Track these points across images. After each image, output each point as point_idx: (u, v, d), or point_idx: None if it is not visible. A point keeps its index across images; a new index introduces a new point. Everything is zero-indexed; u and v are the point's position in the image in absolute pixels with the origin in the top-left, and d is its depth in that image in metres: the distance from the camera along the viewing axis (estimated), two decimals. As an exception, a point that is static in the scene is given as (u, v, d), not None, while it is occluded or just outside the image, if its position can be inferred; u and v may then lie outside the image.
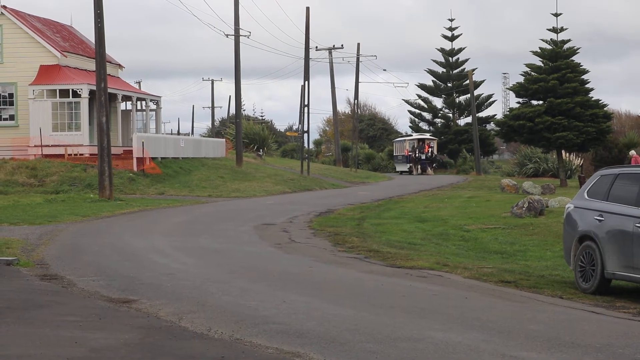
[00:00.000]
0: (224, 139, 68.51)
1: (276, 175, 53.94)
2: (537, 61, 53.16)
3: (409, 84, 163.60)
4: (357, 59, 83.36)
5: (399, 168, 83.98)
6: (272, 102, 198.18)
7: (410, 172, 79.78)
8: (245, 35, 57.44)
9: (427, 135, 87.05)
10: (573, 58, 52.88)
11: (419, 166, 79.21)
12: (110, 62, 50.26)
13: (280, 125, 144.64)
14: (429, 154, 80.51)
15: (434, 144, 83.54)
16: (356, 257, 19.57)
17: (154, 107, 56.27)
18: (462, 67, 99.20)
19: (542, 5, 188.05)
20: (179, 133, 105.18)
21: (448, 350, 9.99)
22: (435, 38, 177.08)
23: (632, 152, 45.72)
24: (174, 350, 9.83)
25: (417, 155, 79.51)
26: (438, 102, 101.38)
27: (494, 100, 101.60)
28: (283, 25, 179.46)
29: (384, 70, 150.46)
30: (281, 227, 26.46)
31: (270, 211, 32.75)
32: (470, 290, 14.64)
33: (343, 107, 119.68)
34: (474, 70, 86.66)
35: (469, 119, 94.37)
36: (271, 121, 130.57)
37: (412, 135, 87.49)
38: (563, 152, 54.90)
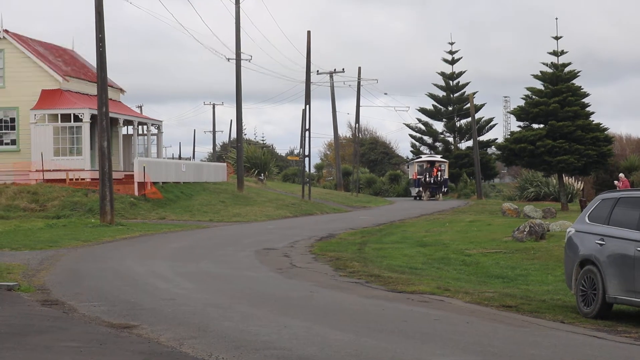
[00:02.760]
0: (225, 163, 68.51)
1: (277, 200, 53.94)
2: (538, 84, 53.33)
3: (409, 108, 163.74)
4: (358, 82, 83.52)
5: (413, 192, 79.86)
6: (273, 126, 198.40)
7: (419, 197, 75.24)
8: (246, 60, 57.68)
9: (438, 157, 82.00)
10: (573, 81, 53.02)
11: (428, 191, 74.07)
12: (111, 87, 50.37)
13: (282, 150, 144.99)
14: (438, 177, 75.01)
15: (445, 167, 78.93)
16: (357, 282, 19.54)
17: (155, 131, 56.36)
18: (462, 91, 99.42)
19: (539, 30, 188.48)
20: (180, 157, 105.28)
21: (449, 375, 9.96)
22: (435, 62, 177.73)
23: (621, 175, 46.10)
24: (175, 376, 9.81)
25: (426, 179, 74.58)
26: (439, 125, 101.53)
27: (495, 124, 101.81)
28: (284, 49, 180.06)
29: (385, 94, 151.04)
30: (282, 252, 26.44)
31: (271, 236, 32.73)
32: (471, 315, 14.61)
33: (344, 131, 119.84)
34: (474, 93, 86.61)
35: (469, 143, 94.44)
36: (272, 145, 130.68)
37: (421, 157, 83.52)
38: (564, 175, 54.97)
